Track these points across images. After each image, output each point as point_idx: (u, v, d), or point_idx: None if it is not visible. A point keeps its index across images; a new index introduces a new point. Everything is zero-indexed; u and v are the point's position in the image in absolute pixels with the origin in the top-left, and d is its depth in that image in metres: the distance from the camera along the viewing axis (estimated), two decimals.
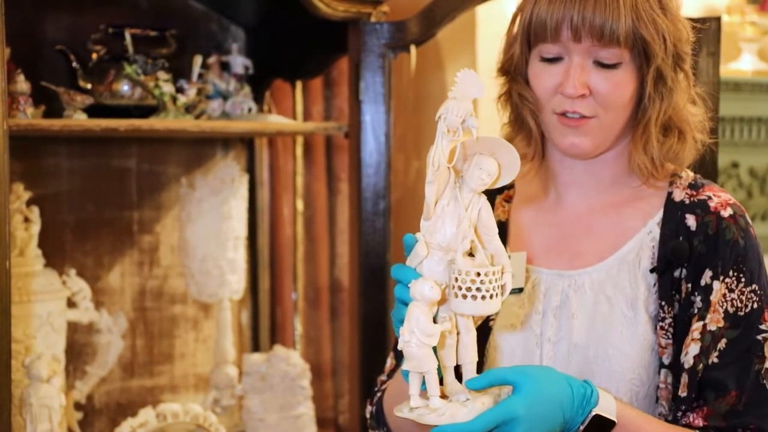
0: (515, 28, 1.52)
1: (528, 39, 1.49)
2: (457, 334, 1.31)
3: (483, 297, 1.26)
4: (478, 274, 1.25)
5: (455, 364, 1.32)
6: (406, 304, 1.27)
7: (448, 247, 1.27)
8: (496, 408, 1.28)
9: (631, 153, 1.51)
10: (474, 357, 1.32)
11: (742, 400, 1.41)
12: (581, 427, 1.33)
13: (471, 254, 1.29)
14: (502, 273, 1.29)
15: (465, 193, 1.29)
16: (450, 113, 1.24)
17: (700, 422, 1.41)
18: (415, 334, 1.24)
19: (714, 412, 1.41)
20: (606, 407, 1.35)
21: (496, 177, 1.30)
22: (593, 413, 1.33)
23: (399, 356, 1.47)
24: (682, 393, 1.43)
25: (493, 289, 1.27)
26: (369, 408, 1.63)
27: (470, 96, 1.25)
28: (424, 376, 1.27)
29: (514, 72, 1.53)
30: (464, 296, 1.26)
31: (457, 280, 1.26)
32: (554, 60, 1.46)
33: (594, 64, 1.45)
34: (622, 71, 1.45)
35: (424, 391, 1.29)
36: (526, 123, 1.54)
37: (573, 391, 1.33)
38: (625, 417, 1.36)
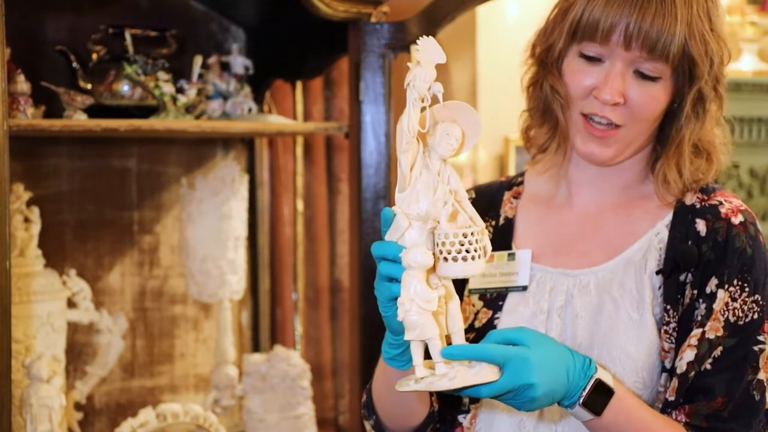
0: (562, 19, 1.46)
1: (574, 33, 1.44)
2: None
3: (473, 258, 1.27)
4: (465, 236, 1.27)
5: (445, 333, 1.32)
6: (392, 280, 1.27)
7: (426, 215, 1.28)
8: (513, 360, 1.28)
9: (664, 171, 1.49)
10: (461, 325, 1.32)
11: (728, 407, 1.40)
12: (583, 393, 1.33)
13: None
14: (482, 234, 1.30)
15: (434, 161, 1.29)
16: (418, 80, 1.25)
17: (683, 418, 1.41)
18: (415, 302, 1.25)
19: (696, 412, 1.40)
20: (605, 377, 1.35)
21: (461, 143, 1.31)
22: (595, 377, 1.33)
23: None
24: (670, 397, 1.43)
25: (480, 249, 1.28)
26: (363, 398, 1.62)
27: (433, 62, 1.26)
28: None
29: (550, 63, 1.50)
30: (454, 259, 1.27)
31: (444, 244, 1.27)
32: (594, 59, 1.44)
33: (634, 74, 1.43)
34: (660, 85, 1.43)
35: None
36: (553, 116, 1.51)
37: (574, 357, 1.33)
38: (620, 391, 1.36)
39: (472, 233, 1.27)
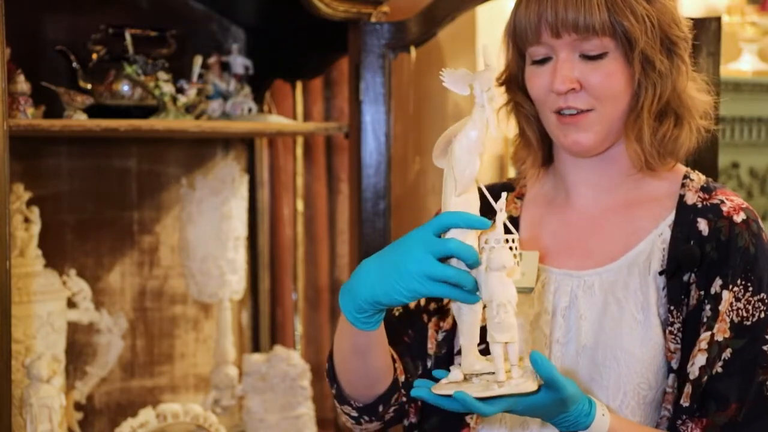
0: (506, 38, 1.55)
1: (516, 45, 1.52)
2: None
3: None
4: (507, 242, 1.28)
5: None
6: (443, 260, 1.27)
7: None
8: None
9: (625, 142, 1.51)
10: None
11: (742, 412, 1.40)
12: None
13: None
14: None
15: None
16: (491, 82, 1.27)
17: None
18: (511, 303, 1.26)
19: (713, 424, 1.40)
20: (595, 430, 1.36)
21: None
22: None
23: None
24: (684, 403, 1.42)
25: (518, 256, 1.31)
26: (326, 366, 1.59)
27: (493, 66, 1.29)
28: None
29: (509, 81, 1.56)
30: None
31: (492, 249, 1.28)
32: (543, 61, 1.48)
33: (581, 58, 1.45)
34: (609, 61, 1.45)
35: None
36: (523, 130, 1.57)
37: (583, 404, 1.34)
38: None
39: (513, 240, 1.28)
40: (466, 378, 1.30)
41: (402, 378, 1.55)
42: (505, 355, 1.28)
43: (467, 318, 1.30)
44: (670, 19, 1.48)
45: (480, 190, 1.33)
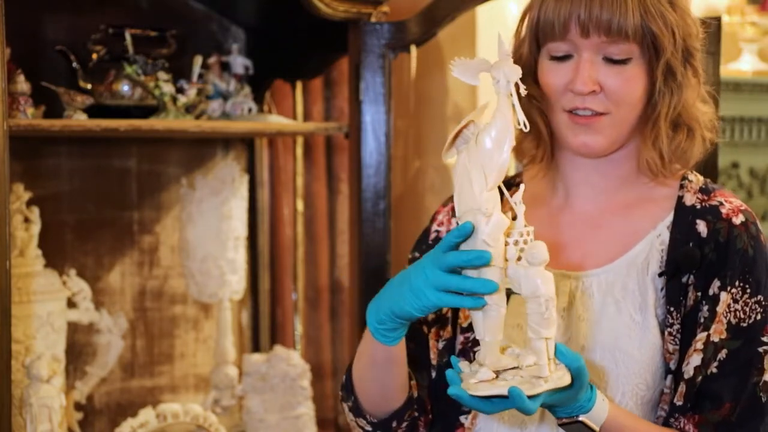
0: (523, 29, 1.52)
1: (536, 38, 1.49)
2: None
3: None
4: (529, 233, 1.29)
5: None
6: (454, 272, 1.27)
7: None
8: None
9: (640, 149, 1.50)
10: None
11: (735, 412, 1.40)
12: (564, 418, 1.35)
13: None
14: None
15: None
16: (520, 72, 1.27)
17: (691, 428, 1.41)
18: (553, 299, 1.26)
19: (706, 420, 1.41)
20: (595, 415, 1.36)
21: None
22: (580, 417, 1.35)
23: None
24: (678, 401, 1.43)
25: None
26: (342, 379, 1.60)
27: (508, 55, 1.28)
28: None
29: (524, 73, 1.53)
30: (519, 258, 1.28)
31: (516, 243, 1.28)
32: (563, 58, 1.46)
33: (604, 61, 1.44)
34: (632, 66, 1.45)
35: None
36: (534, 123, 1.53)
37: (587, 390, 1.34)
38: (615, 419, 1.37)
39: (529, 232, 1.29)
40: (497, 375, 1.30)
41: (415, 394, 1.55)
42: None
43: (495, 314, 1.29)
44: (691, 30, 1.48)
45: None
